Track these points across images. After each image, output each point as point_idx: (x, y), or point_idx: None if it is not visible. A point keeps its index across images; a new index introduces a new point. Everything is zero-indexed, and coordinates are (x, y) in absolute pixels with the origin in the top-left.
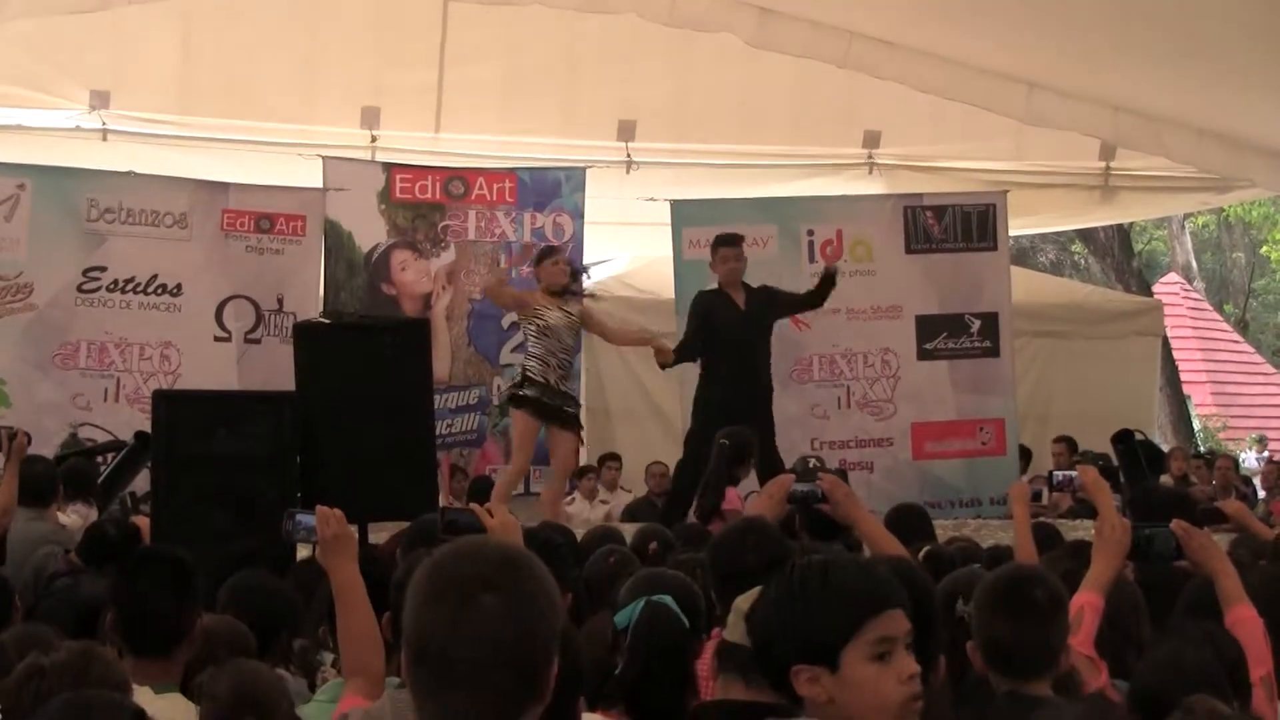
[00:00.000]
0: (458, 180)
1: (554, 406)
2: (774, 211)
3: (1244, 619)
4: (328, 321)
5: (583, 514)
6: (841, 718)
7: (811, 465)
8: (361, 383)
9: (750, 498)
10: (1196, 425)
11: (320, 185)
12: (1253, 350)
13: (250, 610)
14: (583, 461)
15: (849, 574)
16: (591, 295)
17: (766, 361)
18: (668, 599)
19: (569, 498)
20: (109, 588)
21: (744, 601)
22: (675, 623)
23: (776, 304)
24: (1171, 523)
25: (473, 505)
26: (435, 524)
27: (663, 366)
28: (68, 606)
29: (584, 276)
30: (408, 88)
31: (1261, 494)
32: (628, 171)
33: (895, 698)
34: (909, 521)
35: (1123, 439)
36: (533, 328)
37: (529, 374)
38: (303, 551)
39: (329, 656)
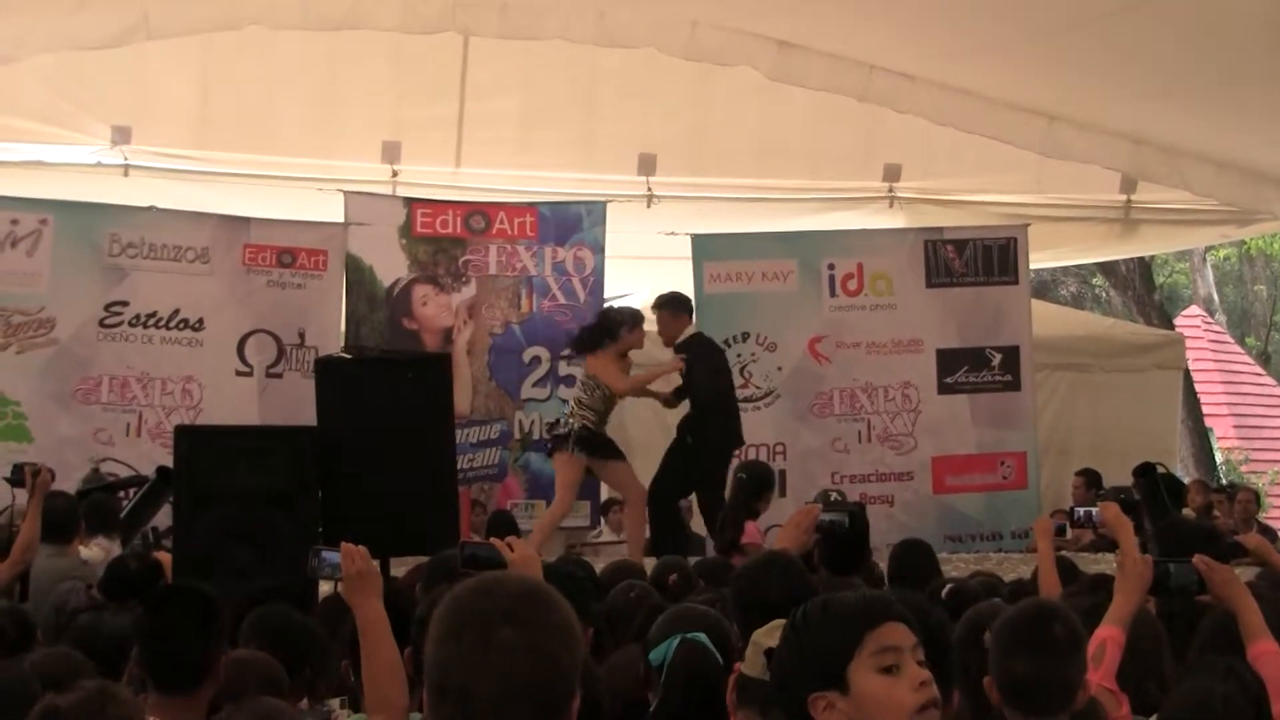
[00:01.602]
0: (478, 215)
1: (608, 444)
2: (794, 245)
3: (1266, 653)
4: (349, 356)
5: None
6: None
7: (833, 498)
8: (383, 417)
9: (771, 531)
10: (1219, 458)
11: (341, 220)
12: (1275, 383)
13: (273, 644)
14: (605, 495)
15: (846, 599)
16: None
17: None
18: (702, 636)
19: (595, 531)
20: (134, 624)
21: (762, 636)
22: (710, 660)
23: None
24: (1194, 557)
25: (493, 539)
26: (456, 558)
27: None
28: (89, 642)
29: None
30: (428, 122)
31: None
32: (648, 205)
33: (909, 704)
34: (913, 557)
35: (1144, 472)
36: (601, 392)
37: (588, 425)
38: (324, 587)
39: (335, 702)
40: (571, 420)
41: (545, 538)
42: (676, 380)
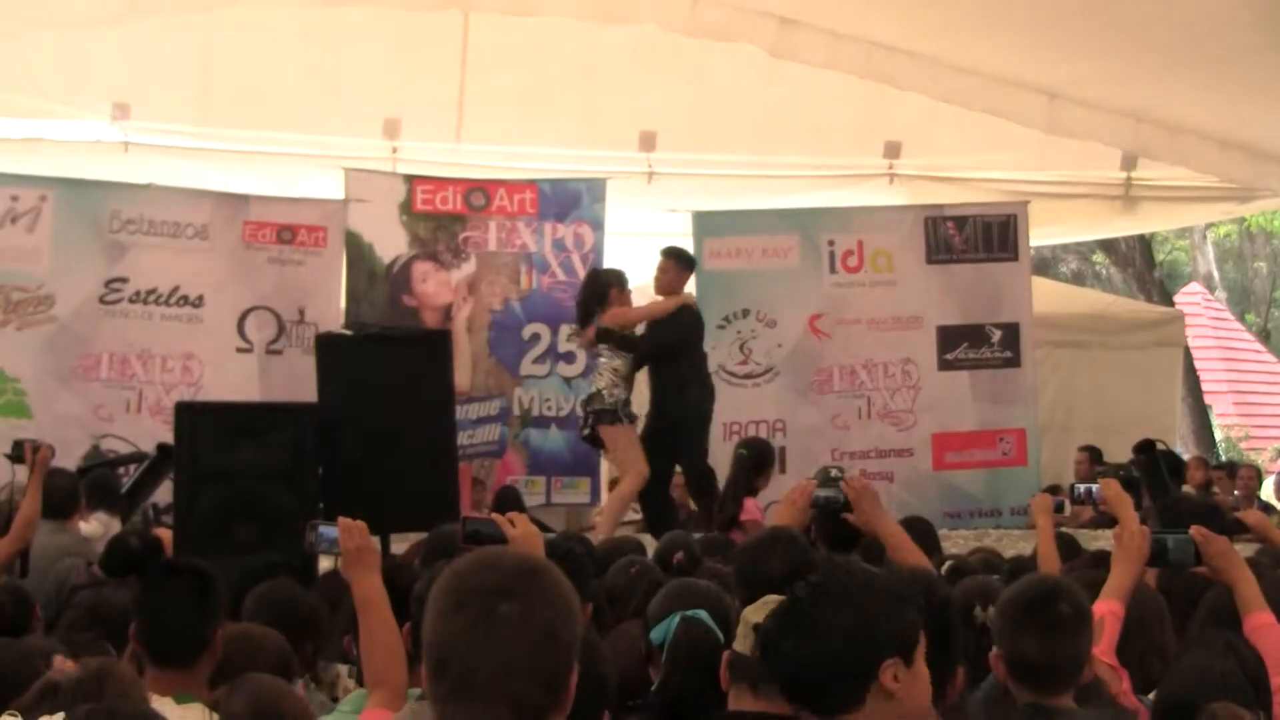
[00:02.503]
0: (478, 191)
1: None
2: (795, 222)
3: (1263, 625)
4: (349, 333)
5: None
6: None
7: (833, 475)
8: (383, 394)
9: (771, 507)
10: (1218, 435)
11: (341, 196)
12: (1275, 360)
13: (276, 620)
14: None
15: (904, 579)
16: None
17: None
18: (702, 613)
19: (598, 508)
20: (132, 599)
21: (751, 613)
22: (711, 637)
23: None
24: (1191, 529)
25: (494, 515)
26: (454, 534)
27: None
28: (90, 619)
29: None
30: (428, 98)
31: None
32: (649, 182)
33: (928, 695)
34: (913, 535)
35: (1144, 449)
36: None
37: (627, 397)
38: (325, 563)
39: (343, 668)
40: (617, 390)
41: (619, 517)
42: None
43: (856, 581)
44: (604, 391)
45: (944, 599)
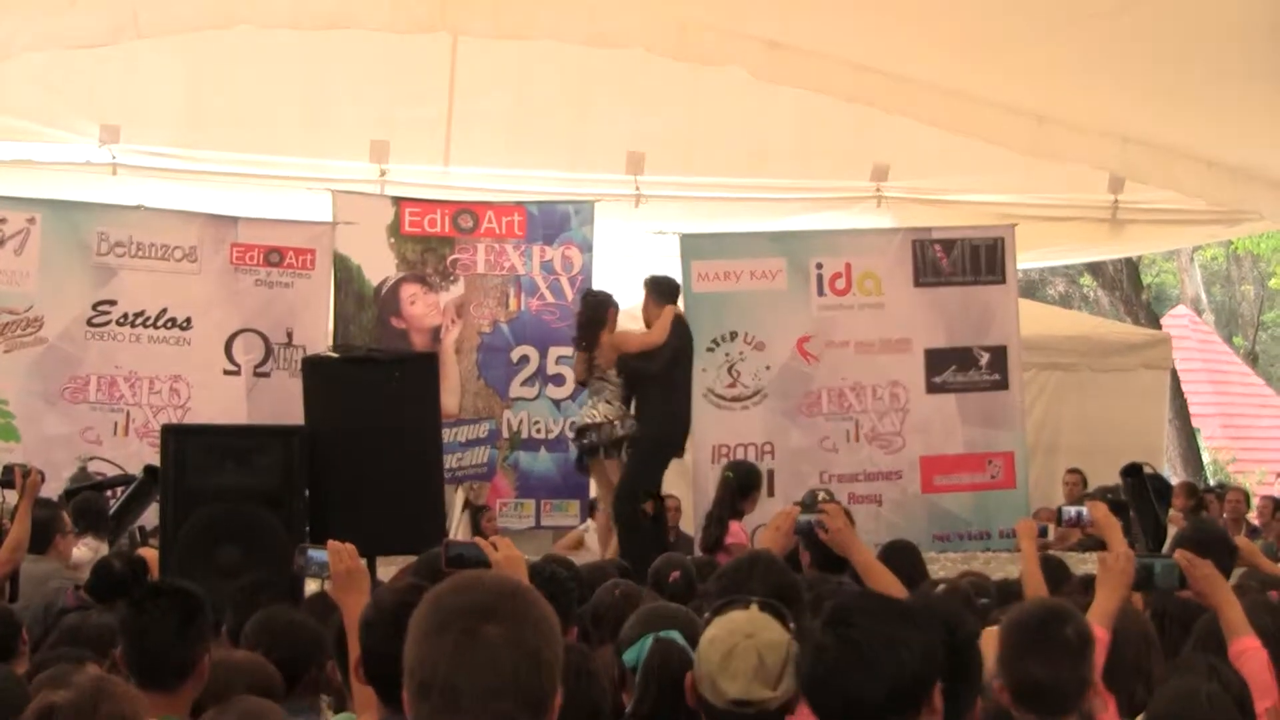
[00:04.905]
0: (467, 214)
1: None
2: (783, 244)
3: (1248, 650)
4: (336, 355)
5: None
6: None
7: (821, 498)
8: (370, 416)
9: (758, 531)
10: (1206, 458)
11: (329, 219)
12: (1262, 383)
13: (279, 646)
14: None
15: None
16: None
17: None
18: (675, 634)
19: (583, 526)
20: (118, 620)
21: None
22: (684, 658)
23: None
24: (1175, 553)
25: (477, 539)
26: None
27: None
28: (72, 642)
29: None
30: (417, 121)
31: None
32: (636, 205)
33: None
34: (899, 559)
35: (1132, 472)
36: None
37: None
38: (310, 585)
39: (323, 700)
40: (618, 426)
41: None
42: None
43: (898, 609)
44: (616, 422)
45: (971, 634)
